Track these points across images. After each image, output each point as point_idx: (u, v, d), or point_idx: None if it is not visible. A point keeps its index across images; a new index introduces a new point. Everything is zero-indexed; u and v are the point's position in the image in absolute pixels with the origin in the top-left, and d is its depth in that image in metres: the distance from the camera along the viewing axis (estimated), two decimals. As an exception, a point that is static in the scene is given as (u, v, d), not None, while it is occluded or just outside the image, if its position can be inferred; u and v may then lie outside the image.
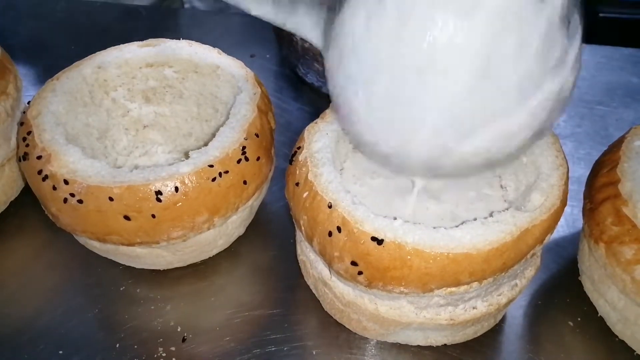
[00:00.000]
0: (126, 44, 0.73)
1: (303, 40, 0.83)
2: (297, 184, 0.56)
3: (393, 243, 0.48)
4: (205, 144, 0.74)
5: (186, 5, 1.34)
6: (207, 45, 0.73)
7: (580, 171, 0.80)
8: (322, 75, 0.87)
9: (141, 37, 0.76)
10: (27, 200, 0.76)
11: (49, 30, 1.12)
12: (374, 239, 0.49)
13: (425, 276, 0.48)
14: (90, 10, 1.18)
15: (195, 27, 1.14)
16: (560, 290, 0.67)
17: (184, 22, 1.16)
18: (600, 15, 1.42)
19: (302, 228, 0.55)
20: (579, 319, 0.64)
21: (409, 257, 0.48)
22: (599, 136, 0.89)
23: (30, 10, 1.18)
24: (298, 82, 0.97)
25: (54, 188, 0.57)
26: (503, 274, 0.50)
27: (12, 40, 1.10)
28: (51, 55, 1.05)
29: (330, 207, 0.52)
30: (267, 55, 1.04)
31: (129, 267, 0.68)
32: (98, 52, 0.71)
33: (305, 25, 0.57)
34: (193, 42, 0.73)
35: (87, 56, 0.72)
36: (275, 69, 1.02)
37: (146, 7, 1.19)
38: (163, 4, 1.31)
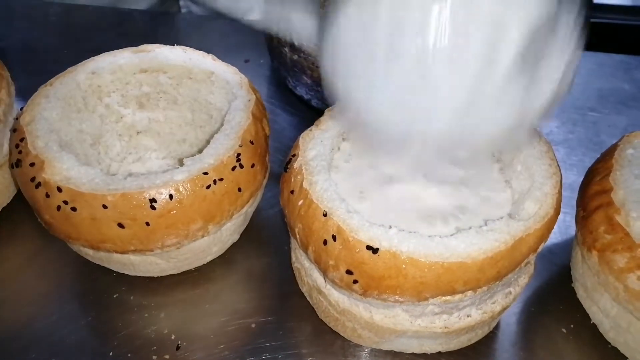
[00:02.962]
0: (120, 49, 0.72)
1: (292, 52, 0.84)
2: (292, 192, 0.56)
3: (388, 252, 0.48)
4: (200, 150, 0.74)
5: (183, 10, 1.34)
6: (202, 51, 0.73)
7: (573, 178, 0.80)
8: (311, 88, 0.87)
9: (135, 42, 0.76)
10: (19, 207, 0.76)
11: (42, 34, 1.12)
12: (369, 247, 0.49)
13: (420, 285, 0.48)
14: (84, 15, 1.17)
15: (189, 32, 1.14)
16: (554, 298, 0.67)
17: (178, 27, 1.16)
18: (590, 20, 1.43)
19: (297, 236, 0.55)
20: (572, 326, 0.64)
21: (404, 266, 0.48)
22: (592, 143, 0.89)
23: (22, 13, 1.17)
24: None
25: (47, 195, 0.56)
26: (497, 282, 0.50)
27: (3, 44, 1.09)
28: (43, 60, 1.05)
29: (325, 215, 0.52)
30: (261, 61, 1.04)
31: (123, 274, 0.68)
32: (92, 58, 0.71)
33: (296, 29, 0.57)
34: (187, 48, 0.73)
35: (80, 61, 0.71)
36: (269, 75, 1.02)
37: (140, 11, 1.19)
38: (161, 8, 1.31)
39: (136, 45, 0.74)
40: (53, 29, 1.13)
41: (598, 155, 0.87)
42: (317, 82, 0.85)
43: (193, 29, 1.16)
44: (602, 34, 1.33)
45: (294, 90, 0.91)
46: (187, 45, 0.74)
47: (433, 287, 0.48)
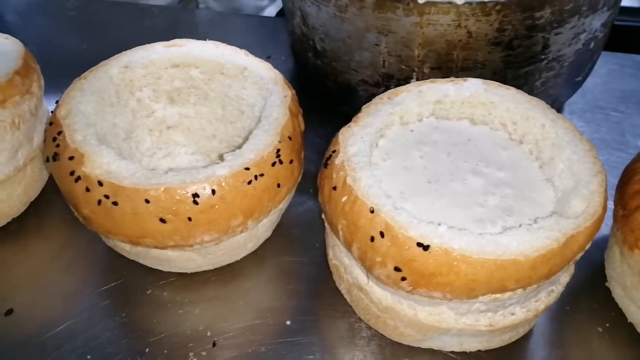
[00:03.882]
0: (152, 43, 0.72)
1: (315, 57, 0.83)
2: (334, 188, 0.56)
3: (439, 249, 0.48)
4: (229, 146, 0.74)
5: (201, 6, 1.33)
6: (234, 47, 0.72)
7: (602, 177, 0.80)
8: (334, 93, 0.86)
9: (154, 37, 0.75)
10: (46, 201, 0.76)
11: (60, 29, 1.11)
12: (419, 244, 0.48)
13: (472, 282, 0.48)
14: (101, 9, 1.16)
15: (210, 28, 1.14)
16: (588, 296, 0.67)
17: (198, 23, 1.16)
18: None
19: (340, 233, 0.55)
20: (607, 325, 0.64)
21: (455, 263, 0.48)
22: (616, 142, 0.89)
23: (40, 8, 1.17)
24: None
25: (87, 190, 0.56)
26: (547, 280, 0.50)
27: (21, 38, 1.08)
28: (63, 54, 1.04)
29: (372, 212, 0.51)
30: (282, 57, 1.04)
31: (154, 270, 0.67)
32: (124, 52, 0.70)
33: None
34: (219, 43, 0.73)
35: (100, 56, 0.71)
36: (290, 71, 1.01)
37: (159, 6, 1.18)
38: (179, 4, 1.30)
39: (155, 40, 0.73)
40: (71, 23, 1.12)
41: (624, 155, 0.87)
42: (341, 87, 0.84)
43: (212, 25, 1.15)
44: (623, 36, 1.33)
45: (319, 95, 0.90)
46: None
47: (485, 284, 0.48)
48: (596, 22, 0.75)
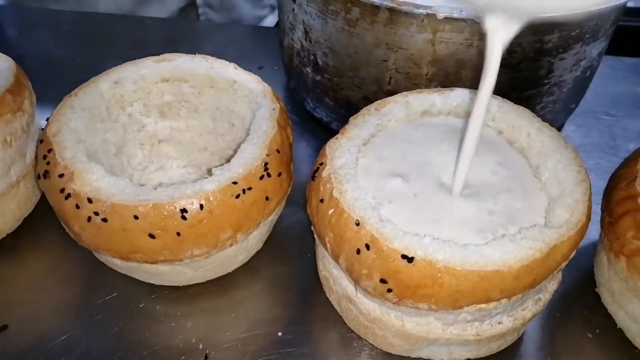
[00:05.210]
0: (142, 59, 0.72)
1: (315, 72, 0.82)
2: (321, 201, 0.56)
3: (423, 260, 0.48)
4: (220, 158, 0.74)
5: (202, 17, 1.34)
6: (224, 60, 0.73)
7: (592, 182, 0.81)
8: (332, 110, 0.85)
9: (150, 49, 0.76)
10: (41, 216, 0.76)
11: (55, 43, 1.12)
12: (404, 256, 0.49)
13: (456, 293, 0.48)
14: (96, 22, 1.17)
15: (202, 39, 1.14)
16: (578, 302, 0.68)
17: (190, 34, 1.16)
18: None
19: (328, 245, 0.55)
20: (597, 331, 0.65)
21: (439, 274, 0.48)
22: (607, 146, 0.90)
23: (35, 22, 1.17)
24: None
25: (77, 207, 0.57)
26: (532, 290, 0.50)
27: (17, 52, 1.09)
28: (58, 68, 1.05)
29: (357, 224, 0.52)
30: (275, 67, 1.05)
31: (147, 283, 0.68)
32: (114, 68, 0.71)
33: None
34: (209, 56, 0.73)
35: (95, 69, 0.71)
36: (283, 81, 1.02)
37: (153, 19, 1.19)
38: (179, 17, 1.31)
39: (151, 53, 0.74)
40: (66, 36, 1.13)
41: (615, 159, 0.88)
42: (340, 104, 0.83)
43: (204, 36, 1.16)
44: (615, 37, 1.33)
45: (313, 112, 0.90)
46: (198, 52, 0.74)
47: (469, 295, 0.48)
48: (595, 50, 0.76)
